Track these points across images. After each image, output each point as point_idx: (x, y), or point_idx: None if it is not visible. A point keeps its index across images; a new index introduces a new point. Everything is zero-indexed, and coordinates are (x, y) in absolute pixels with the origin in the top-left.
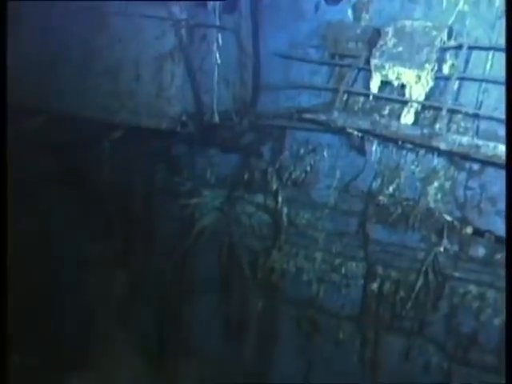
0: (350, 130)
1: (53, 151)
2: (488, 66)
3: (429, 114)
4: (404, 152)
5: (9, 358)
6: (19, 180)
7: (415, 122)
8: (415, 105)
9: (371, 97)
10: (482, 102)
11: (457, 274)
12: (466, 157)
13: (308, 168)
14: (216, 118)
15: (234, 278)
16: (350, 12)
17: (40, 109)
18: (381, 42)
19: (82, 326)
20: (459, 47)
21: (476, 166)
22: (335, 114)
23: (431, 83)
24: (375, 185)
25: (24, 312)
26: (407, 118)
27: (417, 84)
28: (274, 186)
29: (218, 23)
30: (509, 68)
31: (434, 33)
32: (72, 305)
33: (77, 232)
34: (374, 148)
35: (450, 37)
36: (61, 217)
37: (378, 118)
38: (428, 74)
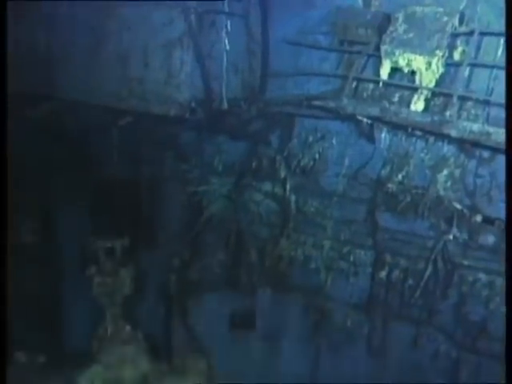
0: (360, 117)
1: (61, 138)
2: (499, 52)
3: (439, 100)
4: (413, 139)
5: (9, 358)
6: (26, 168)
7: (425, 109)
8: (425, 91)
9: (381, 83)
10: (492, 89)
11: (466, 262)
12: (476, 144)
13: (316, 155)
14: (225, 105)
15: (241, 266)
16: None
17: (48, 96)
18: (391, 28)
19: (88, 323)
20: (470, 33)
21: (486, 154)
22: (344, 100)
23: (442, 70)
24: (384, 172)
25: (30, 310)
26: (417, 104)
27: (427, 70)
28: (283, 174)
29: (226, 9)
30: (509, 53)
31: (445, 18)
32: (79, 302)
33: (83, 223)
34: (383, 135)
35: (461, 22)
36: (66, 208)
37: (387, 104)
38: (439, 60)
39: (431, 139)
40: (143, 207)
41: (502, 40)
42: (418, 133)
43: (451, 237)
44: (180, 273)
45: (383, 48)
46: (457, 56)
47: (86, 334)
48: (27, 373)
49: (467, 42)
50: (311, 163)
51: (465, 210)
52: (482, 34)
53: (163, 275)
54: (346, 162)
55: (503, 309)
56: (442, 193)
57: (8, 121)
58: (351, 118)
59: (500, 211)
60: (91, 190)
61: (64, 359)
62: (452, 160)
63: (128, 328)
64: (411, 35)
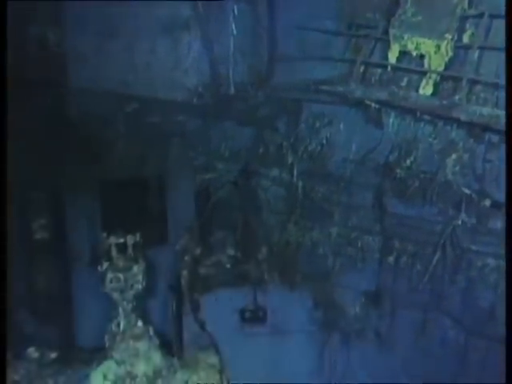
0: (368, 102)
1: (69, 125)
2: None
3: (448, 84)
4: (422, 124)
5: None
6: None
7: (434, 93)
8: (434, 75)
9: (389, 68)
10: (502, 72)
11: (474, 247)
12: (486, 127)
13: (324, 141)
14: (232, 90)
15: (249, 252)
16: None
17: (57, 82)
18: (399, 12)
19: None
20: (480, 16)
21: (495, 138)
22: (352, 85)
23: (451, 53)
24: (392, 157)
25: (42, 306)
26: (426, 88)
27: (436, 54)
28: (290, 160)
29: None
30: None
31: (455, 1)
32: (91, 298)
33: (94, 218)
34: (391, 120)
35: (470, 5)
36: (78, 203)
37: (396, 89)
38: (448, 43)
39: (440, 123)
40: (151, 199)
41: None
42: (427, 117)
43: (460, 222)
44: (191, 268)
45: (391, 32)
46: (466, 39)
47: (98, 330)
48: (39, 369)
49: (477, 25)
50: (318, 148)
51: (473, 195)
52: (492, 16)
53: (175, 270)
54: (354, 147)
55: None
56: (450, 177)
57: (8, 120)
58: (359, 103)
59: None
60: (100, 180)
61: (76, 355)
62: (461, 144)
63: (140, 323)
64: (420, 18)
